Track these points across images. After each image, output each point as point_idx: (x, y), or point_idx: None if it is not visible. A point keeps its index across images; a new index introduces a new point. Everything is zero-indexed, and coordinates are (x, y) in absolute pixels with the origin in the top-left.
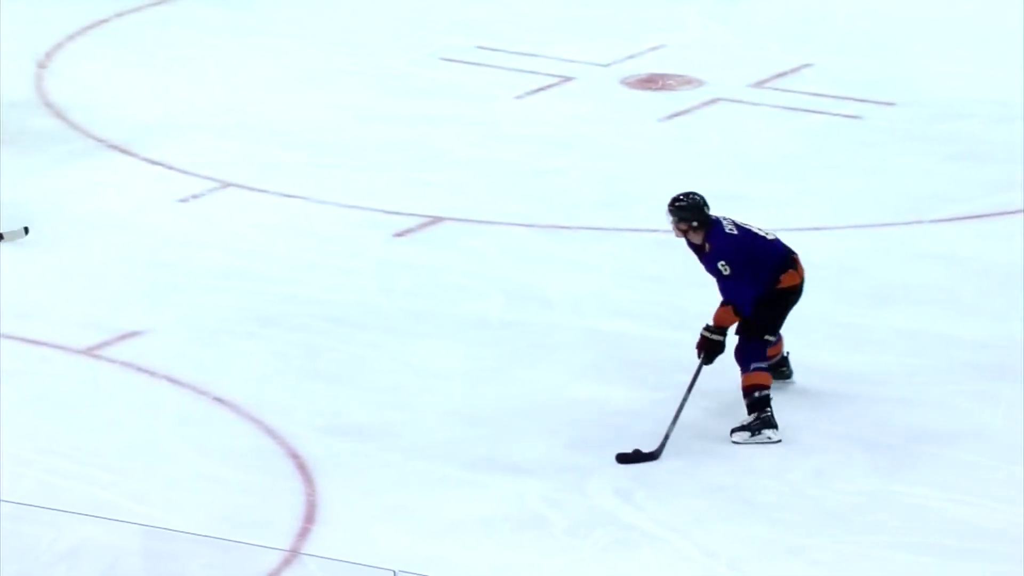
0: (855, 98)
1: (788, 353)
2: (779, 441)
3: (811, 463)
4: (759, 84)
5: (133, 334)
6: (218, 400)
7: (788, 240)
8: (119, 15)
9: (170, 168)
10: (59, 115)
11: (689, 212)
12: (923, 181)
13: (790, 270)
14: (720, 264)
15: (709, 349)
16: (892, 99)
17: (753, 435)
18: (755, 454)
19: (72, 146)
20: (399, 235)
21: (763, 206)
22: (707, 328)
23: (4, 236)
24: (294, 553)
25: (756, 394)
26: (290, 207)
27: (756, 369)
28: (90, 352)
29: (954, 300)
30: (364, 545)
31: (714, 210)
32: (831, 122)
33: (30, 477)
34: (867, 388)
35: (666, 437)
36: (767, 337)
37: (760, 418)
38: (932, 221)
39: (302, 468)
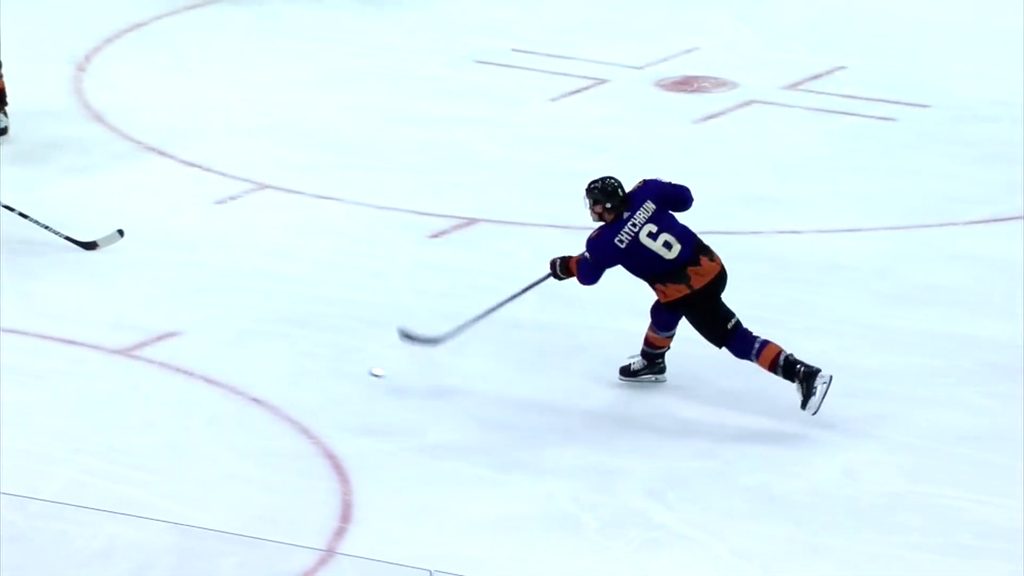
0: (888, 100)
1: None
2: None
3: (839, 463)
4: (792, 86)
5: (168, 335)
6: (254, 400)
7: (818, 241)
8: (156, 18)
9: (206, 170)
10: (97, 118)
11: (601, 195)
12: (953, 183)
13: (671, 284)
14: (585, 252)
15: (556, 272)
16: (925, 101)
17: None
18: (784, 455)
19: (109, 148)
20: (433, 236)
21: (793, 207)
22: (561, 263)
23: (99, 243)
24: (329, 552)
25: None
26: (323, 209)
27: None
28: (126, 353)
29: (982, 302)
30: (399, 545)
31: (745, 211)
32: (864, 124)
33: (64, 476)
34: (895, 388)
35: (459, 328)
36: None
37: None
38: (962, 223)
39: (337, 468)
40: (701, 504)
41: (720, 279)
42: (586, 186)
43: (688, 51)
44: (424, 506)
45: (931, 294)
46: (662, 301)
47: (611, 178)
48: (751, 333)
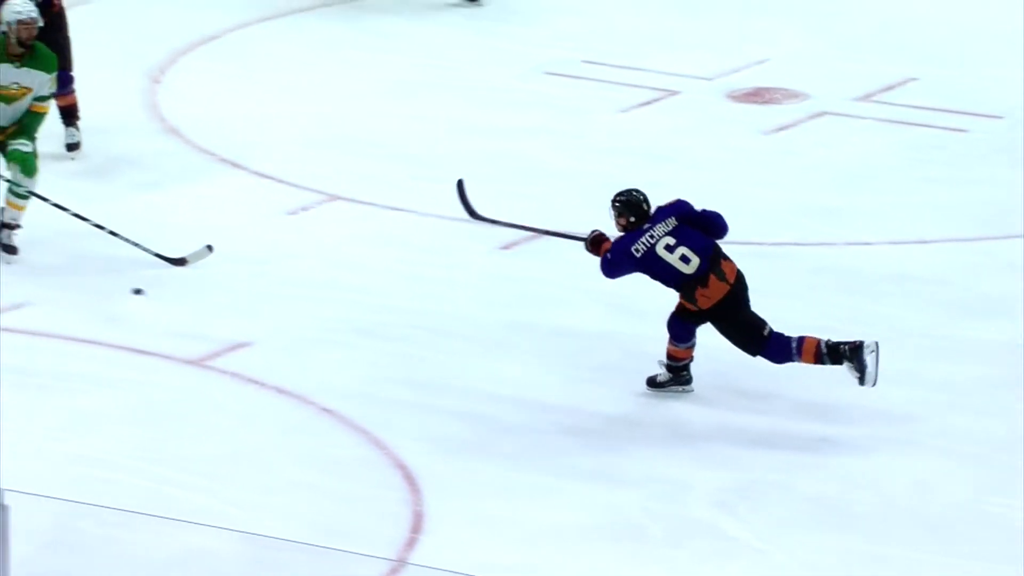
0: (960, 111)
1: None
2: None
3: (906, 474)
4: (864, 98)
5: (239, 345)
6: (325, 410)
7: (887, 252)
8: (229, 30)
9: (278, 181)
10: (171, 131)
11: (624, 207)
12: (1021, 194)
13: (685, 299)
14: (608, 255)
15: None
16: (998, 112)
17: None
18: (853, 466)
19: (183, 161)
20: (503, 248)
21: (861, 218)
22: (596, 240)
23: (189, 259)
24: (400, 563)
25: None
26: (393, 219)
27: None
28: (197, 363)
29: None
30: (469, 554)
31: (814, 223)
32: (935, 135)
33: (136, 485)
34: (962, 399)
35: (497, 222)
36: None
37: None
38: None
39: (408, 478)
40: (767, 515)
41: (731, 297)
42: (612, 197)
43: (759, 62)
44: (493, 515)
45: (999, 305)
46: (688, 310)
47: (637, 191)
48: (784, 335)
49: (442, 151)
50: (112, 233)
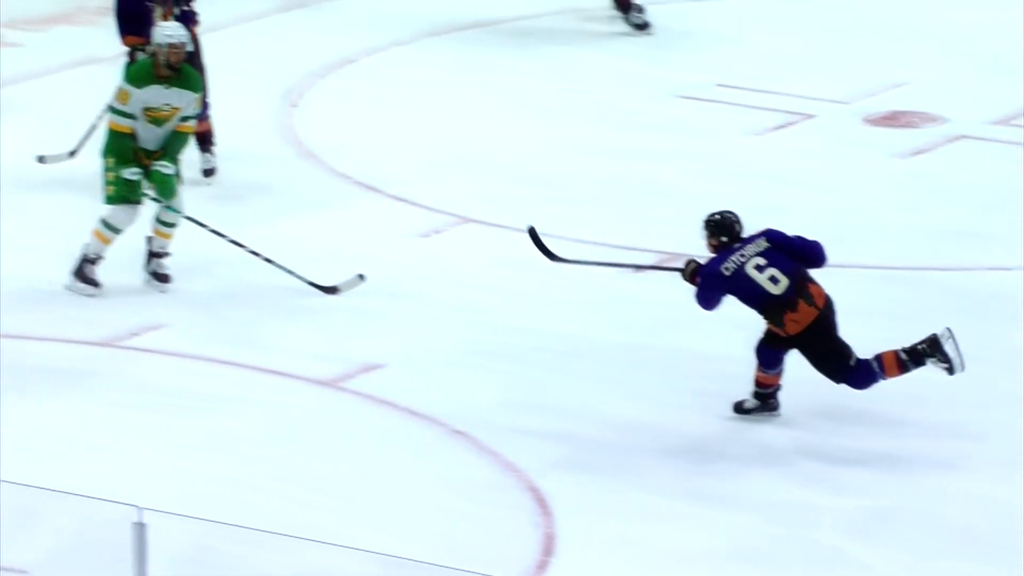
0: None
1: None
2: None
3: None
4: (1003, 121)
5: (372, 366)
6: (456, 432)
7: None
8: (365, 54)
9: (412, 204)
10: (307, 154)
11: (716, 228)
12: None
13: (772, 323)
14: (699, 279)
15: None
16: None
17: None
18: (986, 492)
19: (319, 184)
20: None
21: (998, 242)
22: (692, 268)
23: (340, 288)
24: None
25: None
26: (525, 242)
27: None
28: (330, 384)
29: None
30: None
31: (951, 247)
32: None
33: (267, 504)
34: None
35: (578, 261)
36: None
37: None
38: None
39: (539, 500)
40: (899, 541)
41: (820, 322)
42: (704, 218)
43: (896, 86)
44: (624, 538)
45: None
46: (773, 334)
47: (729, 212)
48: (865, 359)
49: (573, 173)
50: (267, 260)
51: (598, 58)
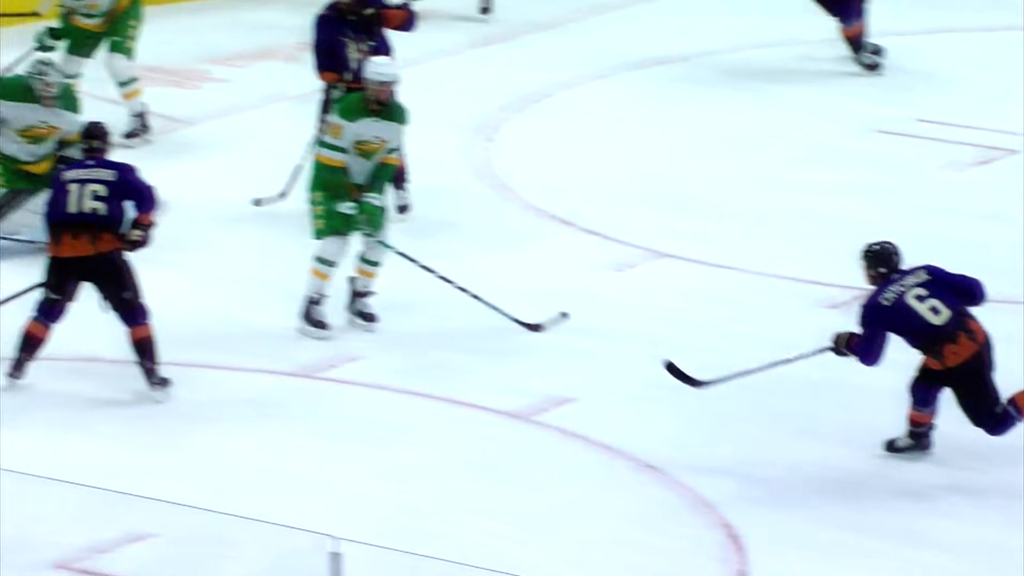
0: None
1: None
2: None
3: None
4: None
5: (566, 400)
6: (648, 467)
7: None
8: (563, 88)
9: (606, 238)
10: (503, 188)
11: (875, 258)
12: None
13: (930, 355)
14: (859, 319)
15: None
16: None
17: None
18: None
19: (514, 219)
20: (831, 307)
21: None
22: (842, 338)
23: (544, 326)
24: None
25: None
26: (720, 277)
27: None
28: (524, 417)
29: None
30: None
31: None
32: None
33: (462, 537)
34: None
35: (724, 379)
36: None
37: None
38: None
39: (731, 537)
40: None
41: (977, 358)
42: (862, 248)
43: None
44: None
45: None
46: (928, 368)
47: (889, 243)
48: (1006, 408)
49: (766, 208)
50: (474, 296)
51: (795, 93)
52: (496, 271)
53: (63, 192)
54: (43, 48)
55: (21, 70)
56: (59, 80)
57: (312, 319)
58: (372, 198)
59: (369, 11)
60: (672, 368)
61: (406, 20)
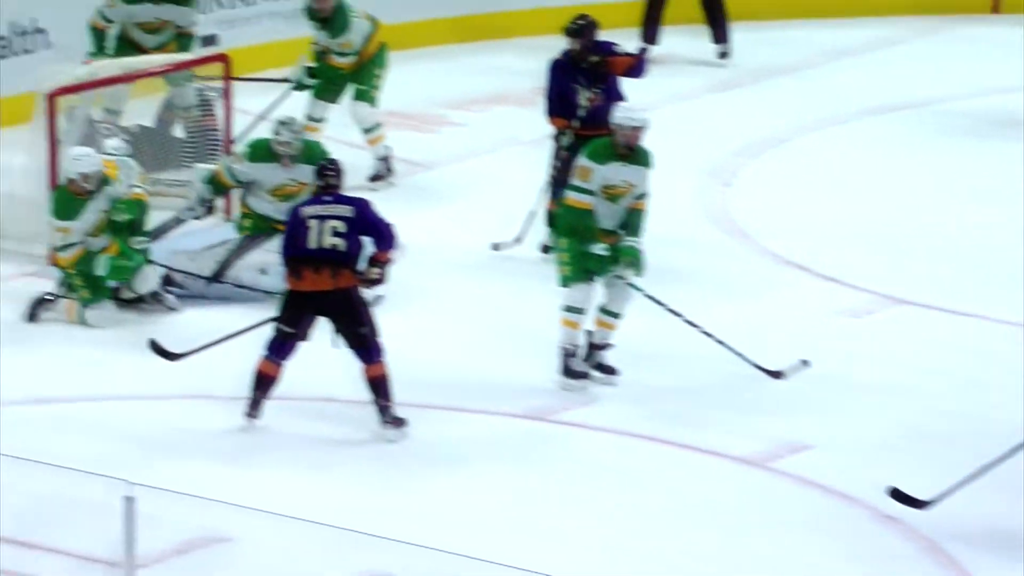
0: None
1: None
2: None
3: None
4: None
5: (803, 447)
6: (887, 518)
7: None
8: (800, 133)
9: (843, 284)
10: (740, 233)
11: None
12: None
13: None
14: None
15: None
16: None
17: None
18: None
19: (751, 264)
20: None
21: None
22: None
23: (786, 373)
24: None
25: None
26: (962, 325)
27: None
28: (759, 464)
29: None
30: None
31: None
32: None
33: None
34: None
35: (947, 494)
36: None
37: None
38: None
39: None
40: None
41: None
42: None
43: None
44: None
45: None
46: None
47: None
48: None
49: (1011, 257)
50: (719, 342)
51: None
52: (734, 318)
53: (303, 228)
54: (300, 87)
55: (276, 115)
56: (294, 139)
57: (572, 371)
58: (631, 241)
59: (594, 59)
60: (897, 494)
61: (634, 66)
